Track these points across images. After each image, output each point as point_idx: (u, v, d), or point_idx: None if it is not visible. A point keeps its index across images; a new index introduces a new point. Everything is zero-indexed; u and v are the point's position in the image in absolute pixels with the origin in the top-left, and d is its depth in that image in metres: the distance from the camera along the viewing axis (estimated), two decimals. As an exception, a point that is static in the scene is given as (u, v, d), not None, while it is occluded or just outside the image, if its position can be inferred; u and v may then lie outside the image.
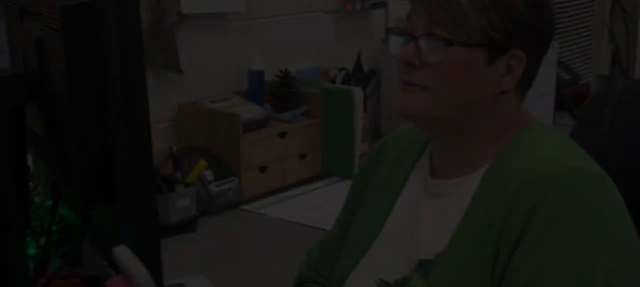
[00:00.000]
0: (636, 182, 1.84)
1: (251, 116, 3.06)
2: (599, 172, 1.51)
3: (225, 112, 3.33)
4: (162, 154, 3.84)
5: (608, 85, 3.45)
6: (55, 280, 1.95)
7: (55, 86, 1.55)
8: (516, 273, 1.46)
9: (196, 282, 1.97)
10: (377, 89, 3.83)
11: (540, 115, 1.79)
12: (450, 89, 1.53)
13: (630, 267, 1.47)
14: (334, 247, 1.87)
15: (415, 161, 1.73)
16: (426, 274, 1.57)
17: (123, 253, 1.39)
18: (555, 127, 1.75)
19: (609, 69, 4.98)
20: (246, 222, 2.75)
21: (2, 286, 1.81)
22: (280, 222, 2.66)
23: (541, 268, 1.45)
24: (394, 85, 2.51)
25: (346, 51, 3.58)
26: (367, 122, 4.16)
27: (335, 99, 3.08)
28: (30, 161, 1.81)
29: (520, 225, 1.45)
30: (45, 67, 1.57)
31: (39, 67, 1.57)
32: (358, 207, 1.84)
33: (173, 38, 4.12)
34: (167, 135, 4.16)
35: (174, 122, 4.24)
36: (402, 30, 1.63)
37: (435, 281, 1.56)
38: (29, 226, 1.95)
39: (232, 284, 2.78)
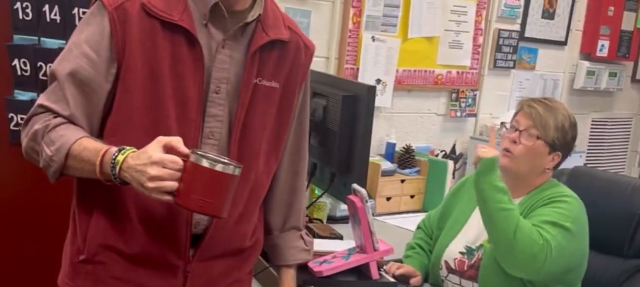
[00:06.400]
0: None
1: (386, 168, 3.51)
2: (577, 197, 2.29)
3: (373, 163, 3.53)
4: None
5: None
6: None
7: (331, 125, 2.41)
8: (537, 215, 2.21)
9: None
10: (463, 165, 4.09)
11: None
12: (527, 160, 2.30)
13: (580, 227, 2.25)
14: (433, 227, 2.54)
15: None
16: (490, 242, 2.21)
17: (356, 185, 2.14)
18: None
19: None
20: (377, 225, 2.58)
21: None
22: (395, 228, 3.19)
23: (547, 212, 2.22)
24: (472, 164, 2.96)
25: (447, 140, 3.96)
26: (453, 183, 3.65)
27: (436, 166, 3.51)
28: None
29: (540, 206, 2.23)
30: (325, 116, 2.46)
31: (323, 116, 2.45)
32: (450, 209, 2.46)
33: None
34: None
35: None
36: (511, 125, 2.35)
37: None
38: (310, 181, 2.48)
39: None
